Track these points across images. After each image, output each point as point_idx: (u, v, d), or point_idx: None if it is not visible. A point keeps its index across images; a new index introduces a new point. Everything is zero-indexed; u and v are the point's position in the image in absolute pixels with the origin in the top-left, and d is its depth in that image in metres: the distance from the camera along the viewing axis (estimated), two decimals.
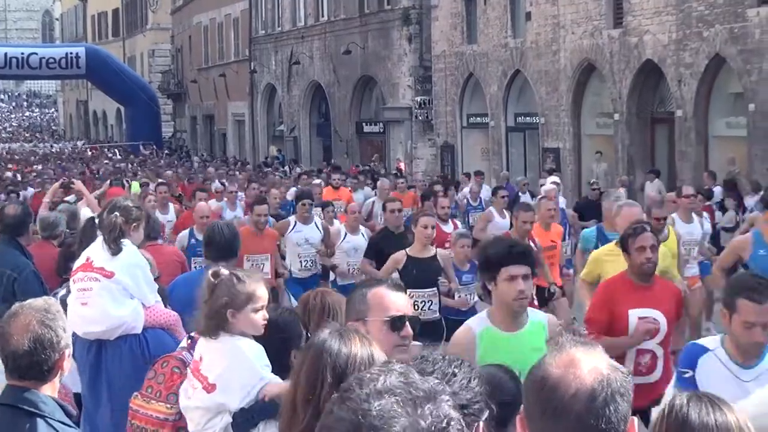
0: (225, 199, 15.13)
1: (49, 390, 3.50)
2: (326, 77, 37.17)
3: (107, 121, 66.64)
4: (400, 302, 3.61)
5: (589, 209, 15.51)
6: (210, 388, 4.18)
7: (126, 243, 5.67)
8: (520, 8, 27.12)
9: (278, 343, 4.24)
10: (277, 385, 4.11)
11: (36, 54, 46.88)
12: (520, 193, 20.00)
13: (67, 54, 46.68)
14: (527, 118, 27.68)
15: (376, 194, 18.50)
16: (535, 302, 9.83)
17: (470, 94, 30.04)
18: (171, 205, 14.39)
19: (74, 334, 5.18)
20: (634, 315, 6.15)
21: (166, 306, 5.98)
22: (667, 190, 21.38)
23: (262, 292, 4.21)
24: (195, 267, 9.32)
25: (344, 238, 11.64)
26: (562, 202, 15.15)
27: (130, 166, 33.07)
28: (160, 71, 57.48)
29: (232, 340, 4.17)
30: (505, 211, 13.45)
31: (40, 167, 33.40)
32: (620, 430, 2.08)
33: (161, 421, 4.48)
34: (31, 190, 21.91)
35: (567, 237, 12.71)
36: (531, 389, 2.15)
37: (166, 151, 47.59)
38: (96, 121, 69.86)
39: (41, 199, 13.59)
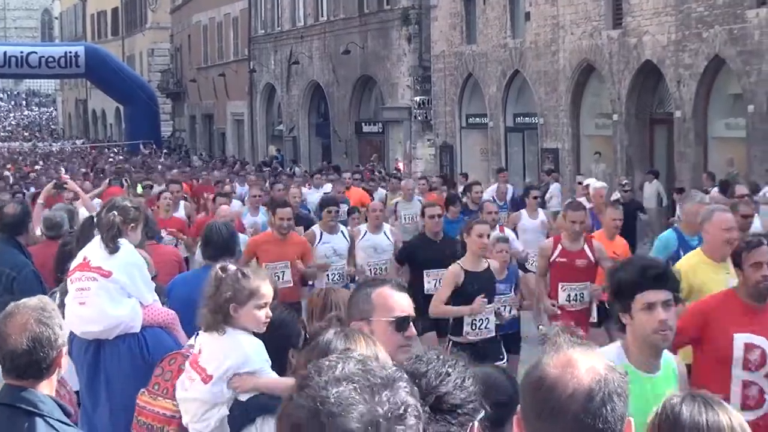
0: (246, 203, 14.71)
1: (46, 388, 3.51)
2: (325, 77, 37.18)
3: (106, 120, 66.61)
4: (404, 303, 3.61)
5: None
6: (208, 379, 4.20)
7: (123, 242, 5.67)
8: (520, 8, 27.13)
9: (277, 340, 4.27)
10: (252, 379, 4.14)
11: (35, 53, 46.88)
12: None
13: (66, 53, 46.69)
14: (526, 118, 27.69)
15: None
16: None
17: (469, 94, 30.04)
18: (182, 203, 14.24)
19: (71, 334, 5.19)
20: (741, 340, 5.27)
21: (164, 305, 5.98)
22: (666, 191, 21.46)
23: (267, 290, 4.25)
24: None
25: (363, 236, 10.91)
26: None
27: (133, 167, 33.02)
28: (159, 70, 57.47)
29: (234, 334, 4.21)
30: (540, 210, 12.89)
31: (40, 167, 33.36)
32: (617, 431, 2.08)
33: (168, 418, 4.50)
34: (32, 189, 21.88)
35: None
36: (528, 389, 2.15)
37: (165, 151, 47.57)
38: (95, 120, 69.84)
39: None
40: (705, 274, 6.46)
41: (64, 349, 3.57)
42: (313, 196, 17.28)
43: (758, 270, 5.36)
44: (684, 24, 21.57)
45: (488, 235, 8.28)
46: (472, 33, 29.16)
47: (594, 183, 14.11)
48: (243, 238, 10.01)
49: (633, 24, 23.04)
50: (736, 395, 5.23)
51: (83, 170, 29.26)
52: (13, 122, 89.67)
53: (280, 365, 4.21)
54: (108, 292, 5.56)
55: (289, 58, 39.47)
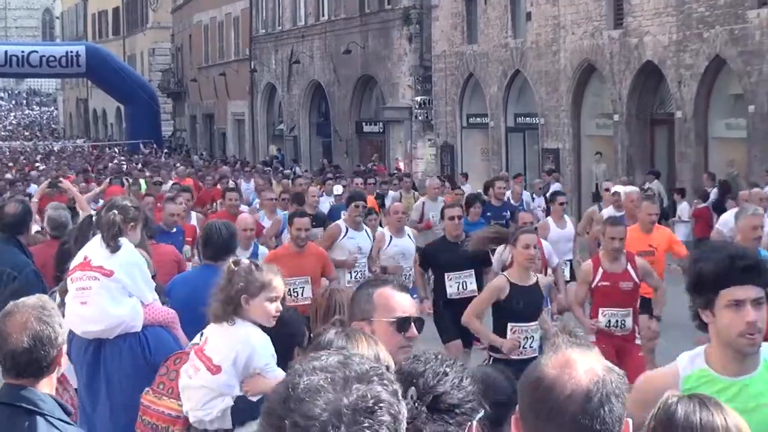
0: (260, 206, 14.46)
1: (46, 387, 3.51)
2: (326, 77, 37.18)
3: (107, 120, 66.62)
4: (405, 303, 3.61)
5: None
6: (215, 369, 4.23)
7: (124, 241, 5.67)
8: (521, 8, 27.13)
9: (283, 338, 4.29)
10: (263, 381, 4.15)
11: (36, 52, 46.94)
12: (534, 196, 19.93)
13: (67, 52, 46.73)
14: (527, 118, 27.68)
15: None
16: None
17: (470, 94, 30.04)
18: (193, 214, 13.41)
19: (70, 333, 5.18)
20: None
21: (164, 304, 5.99)
22: (667, 191, 21.45)
23: (278, 284, 4.29)
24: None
25: (390, 243, 10.42)
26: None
27: (137, 165, 33.02)
28: (160, 70, 57.48)
29: (243, 326, 4.23)
30: (566, 217, 12.26)
31: (44, 167, 33.35)
32: (615, 431, 2.09)
33: (173, 418, 4.51)
34: (33, 186, 21.89)
35: None
36: (526, 389, 2.15)
37: (165, 150, 47.60)
38: (96, 120, 69.85)
39: (45, 199, 13.55)
40: None
41: (64, 348, 3.58)
42: (323, 205, 16.03)
43: None
44: (685, 24, 21.57)
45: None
46: (473, 33, 29.16)
47: (624, 188, 13.43)
48: (263, 251, 9.69)
49: (634, 24, 23.04)
50: None
51: (87, 167, 29.29)
52: (14, 121, 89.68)
53: (285, 364, 4.22)
54: (109, 292, 5.56)
55: (290, 58, 39.47)
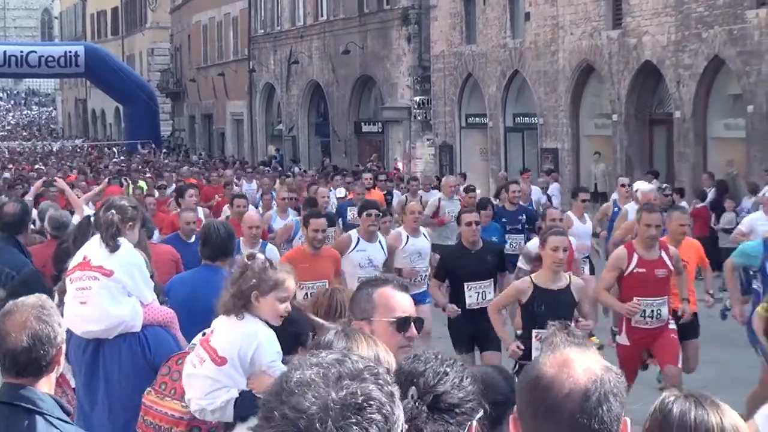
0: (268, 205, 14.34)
1: (45, 386, 3.51)
2: (325, 77, 37.18)
3: (106, 120, 66.60)
4: (405, 303, 3.61)
5: None
6: (220, 360, 4.23)
7: (122, 241, 5.67)
8: (519, 9, 27.15)
9: (289, 336, 4.30)
10: (269, 379, 4.14)
11: (35, 52, 46.90)
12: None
13: (66, 52, 46.70)
14: (526, 118, 27.70)
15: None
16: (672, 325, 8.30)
17: (469, 94, 30.05)
18: (200, 209, 13.77)
19: (68, 333, 5.18)
20: None
21: (163, 304, 5.99)
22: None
23: (291, 284, 4.29)
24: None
25: (407, 242, 10.14)
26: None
27: (139, 166, 32.99)
28: (159, 70, 57.47)
29: (251, 321, 4.24)
30: (586, 215, 12.03)
31: (45, 168, 33.33)
32: (613, 431, 2.09)
33: (175, 420, 4.50)
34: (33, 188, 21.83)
35: None
36: (524, 388, 2.15)
37: (164, 150, 47.58)
38: (95, 120, 69.82)
39: (42, 197, 13.56)
40: None
41: (63, 347, 3.58)
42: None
43: None
44: (684, 24, 21.58)
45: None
46: (472, 33, 29.17)
47: (643, 186, 12.93)
48: (270, 250, 9.42)
49: (633, 24, 23.05)
50: None
51: (86, 169, 29.25)
52: (12, 122, 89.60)
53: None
54: (109, 291, 5.55)
55: (288, 58, 39.47)
